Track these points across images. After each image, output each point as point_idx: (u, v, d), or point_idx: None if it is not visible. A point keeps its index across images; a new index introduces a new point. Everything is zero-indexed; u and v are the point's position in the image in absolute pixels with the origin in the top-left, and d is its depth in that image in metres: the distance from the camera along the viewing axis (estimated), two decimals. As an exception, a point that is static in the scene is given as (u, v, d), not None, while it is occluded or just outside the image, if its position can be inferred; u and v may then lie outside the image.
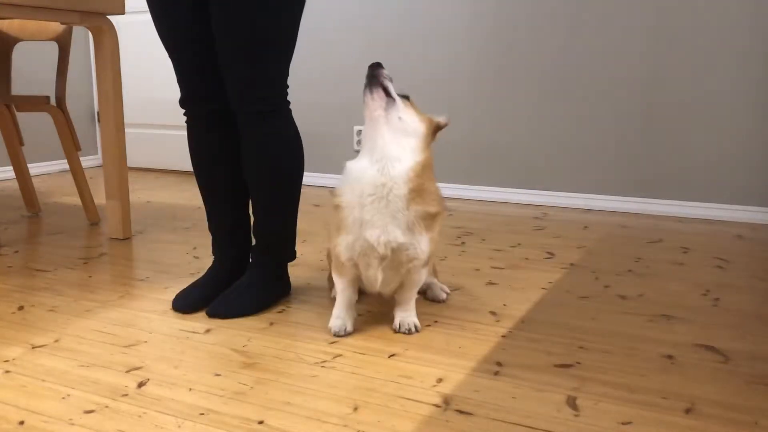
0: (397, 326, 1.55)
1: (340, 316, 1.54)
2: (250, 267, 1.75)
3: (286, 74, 1.66)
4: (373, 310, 1.69)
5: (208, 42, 1.62)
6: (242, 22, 1.55)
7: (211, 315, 1.64)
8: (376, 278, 1.49)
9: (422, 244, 1.46)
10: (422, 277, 1.55)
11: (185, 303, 1.68)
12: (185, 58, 1.66)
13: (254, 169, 1.67)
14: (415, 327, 1.55)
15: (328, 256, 1.66)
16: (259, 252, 1.74)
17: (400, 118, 1.47)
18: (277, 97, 1.64)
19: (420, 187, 1.44)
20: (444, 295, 1.76)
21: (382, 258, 1.46)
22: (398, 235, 1.44)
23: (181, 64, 1.68)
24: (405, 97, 1.53)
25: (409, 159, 1.44)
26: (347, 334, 1.53)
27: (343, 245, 1.47)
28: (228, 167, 1.73)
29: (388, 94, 1.48)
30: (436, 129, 1.56)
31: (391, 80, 1.50)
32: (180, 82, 1.71)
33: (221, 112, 1.69)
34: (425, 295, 1.77)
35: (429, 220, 1.47)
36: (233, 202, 1.77)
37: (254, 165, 1.67)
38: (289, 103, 1.68)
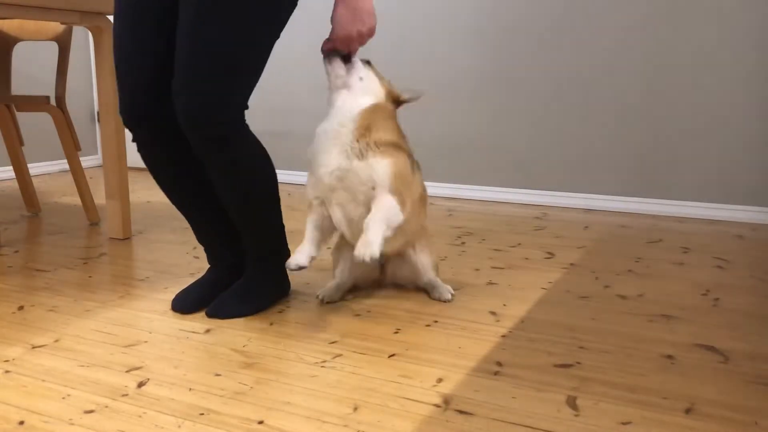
0: (354, 253, 1.46)
1: (298, 251, 1.58)
2: (248, 267, 1.74)
3: (248, 98, 1.53)
4: (373, 310, 1.69)
5: (163, 61, 1.51)
6: (210, 42, 1.42)
7: (210, 316, 1.64)
8: (337, 218, 1.58)
9: (378, 167, 1.51)
10: (389, 203, 1.50)
11: (184, 304, 1.68)
12: (136, 72, 1.52)
13: (226, 194, 1.59)
14: (370, 257, 1.43)
15: None
16: (256, 256, 1.72)
17: (360, 78, 1.58)
18: (237, 122, 1.52)
19: (370, 123, 1.53)
20: (449, 295, 1.75)
21: (332, 189, 1.54)
22: (342, 162, 1.52)
23: (129, 79, 1.53)
24: (366, 62, 1.62)
25: (361, 105, 1.55)
26: (299, 269, 1.56)
27: (309, 185, 1.60)
28: (194, 183, 1.65)
29: (347, 60, 1.58)
30: (396, 99, 1.64)
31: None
32: (122, 100, 1.56)
33: (168, 129, 1.56)
34: (430, 294, 1.77)
35: (385, 146, 1.53)
36: (211, 215, 1.69)
37: (224, 190, 1.58)
38: (246, 126, 1.56)
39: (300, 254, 1.57)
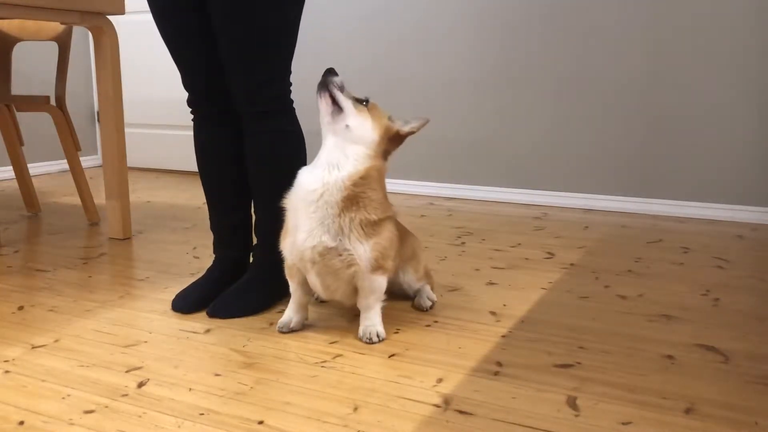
0: (360, 334, 1.51)
1: (288, 314, 1.57)
2: (250, 267, 1.76)
3: (290, 72, 1.67)
4: (373, 310, 1.69)
5: (210, 41, 1.63)
6: (246, 20, 1.55)
7: (211, 315, 1.64)
8: (314, 283, 1.50)
9: (360, 251, 1.43)
10: (375, 284, 1.48)
11: (185, 303, 1.68)
12: (189, 58, 1.67)
13: (258, 167, 1.69)
14: (378, 336, 1.49)
15: None
16: (261, 251, 1.74)
17: (347, 126, 1.45)
18: (282, 96, 1.67)
19: (357, 195, 1.42)
20: (429, 304, 1.69)
21: (312, 262, 1.45)
22: (326, 240, 1.43)
23: (185, 64, 1.69)
24: (364, 102, 1.50)
25: (348, 167, 1.43)
26: (291, 331, 1.55)
27: (286, 248, 1.51)
28: (234, 166, 1.74)
29: (335, 102, 1.47)
30: (396, 136, 1.51)
31: (341, 88, 1.48)
32: (185, 83, 1.71)
33: (227, 111, 1.69)
34: (413, 302, 1.73)
35: (370, 227, 1.44)
36: (237, 202, 1.77)
37: (258, 162, 1.68)
38: (292, 101, 1.69)
39: (292, 320, 1.56)
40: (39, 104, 2.62)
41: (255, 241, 1.76)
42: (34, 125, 3.70)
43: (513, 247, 2.31)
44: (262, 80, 1.61)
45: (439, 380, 1.31)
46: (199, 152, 1.77)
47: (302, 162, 1.69)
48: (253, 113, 1.65)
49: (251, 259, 1.78)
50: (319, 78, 1.48)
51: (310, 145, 1.69)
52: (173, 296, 1.72)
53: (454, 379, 1.31)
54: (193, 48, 1.66)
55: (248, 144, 1.69)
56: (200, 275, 1.83)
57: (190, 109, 1.75)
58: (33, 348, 1.47)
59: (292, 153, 1.68)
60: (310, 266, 1.47)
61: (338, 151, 1.45)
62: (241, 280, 1.71)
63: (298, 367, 1.37)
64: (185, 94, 1.74)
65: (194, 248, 2.27)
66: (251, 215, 1.79)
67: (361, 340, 1.50)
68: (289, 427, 1.14)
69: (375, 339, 1.49)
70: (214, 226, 1.81)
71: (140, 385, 1.29)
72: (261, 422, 1.16)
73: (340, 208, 1.42)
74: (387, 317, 1.63)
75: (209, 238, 1.83)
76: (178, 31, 1.66)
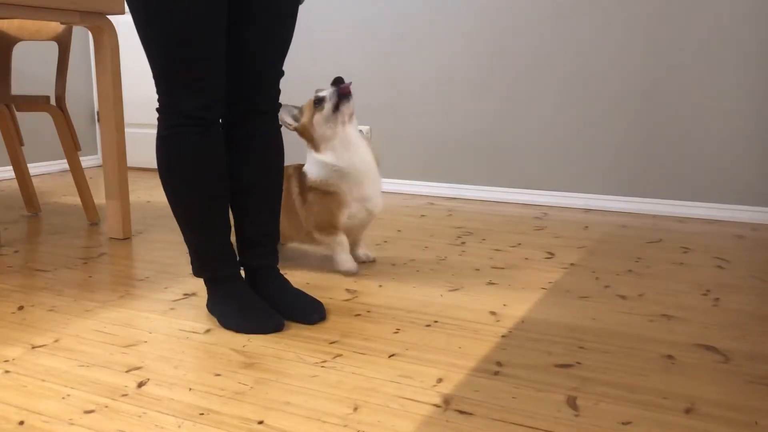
0: (363, 256, 2.10)
1: (349, 261, 1.99)
2: (275, 276, 1.70)
3: None
4: (373, 310, 1.69)
5: (225, 44, 1.53)
6: (292, 18, 1.61)
7: (317, 321, 1.60)
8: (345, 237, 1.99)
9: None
10: None
11: (275, 320, 1.56)
12: (216, 59, 1.49)
13: (268, 168, 1.68)
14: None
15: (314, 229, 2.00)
16: (273, 256, 1.70)
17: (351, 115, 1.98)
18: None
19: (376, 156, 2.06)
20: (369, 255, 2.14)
21: (375, 218, 2.05)
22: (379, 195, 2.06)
23: (208, 66, 1.48)
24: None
25: (365, 143, 2.03)
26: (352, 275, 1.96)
27: (344, 217, 1.95)
28: (227, 177, 1.61)
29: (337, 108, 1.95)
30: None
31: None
32: (199, 88, 1.48)
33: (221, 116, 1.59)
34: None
35: None
36: (227, 210, 1.64)
37: (270, 163, 1.69)
38: None
39: (353, 261, 2.01)
40: (39, 104, 2.62)
41: (249, 249, 1.69)
42: (34, 125, 3.70)
43: (513, 247, 2.31)
44: (278, 80, 1.67)
45: (439, 380, 1.31)
46: (197, 165, 1.53)
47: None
48: (273, 112, 1.67)
49: (266, 269, 1.70)
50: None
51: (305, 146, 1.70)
52: (173, 296, 1.72)
53: (454, 379, 1.31)
54: (220, 49, 1.49)
55: (260, 145, 1.64)
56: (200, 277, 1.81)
57: (196, 118, 1.51)
58: (33, 348, 1.47)
59: (281, 153, 1.74)
60: (366, 223, 2.01)
61: (358, 134, 1.98)
62: (286, 288, 1.67)
63: (298, 367, 1.37)
64: None
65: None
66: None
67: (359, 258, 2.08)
68: (289, 427, 1.14)
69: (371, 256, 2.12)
70: (217, 245, 1.61)
71: (140, 385, 1.29)
72: (261, 422, 1.16)
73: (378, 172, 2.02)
74: (387, 317, 1.64)
75: (209, 238, 1.82)
76: (214, 31, 1.47)
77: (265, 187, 1.68)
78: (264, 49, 1.59)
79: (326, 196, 1.93)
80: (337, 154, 1.91)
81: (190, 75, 1.47)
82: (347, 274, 1.97)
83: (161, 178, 1.57)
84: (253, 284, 1.68)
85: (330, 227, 1.95)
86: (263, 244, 1.69)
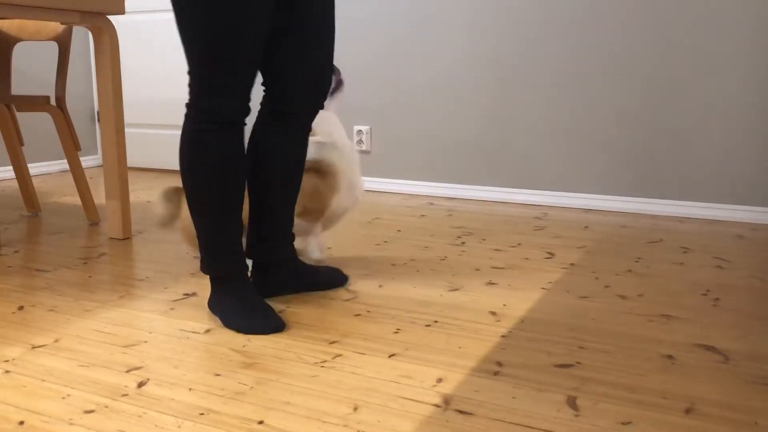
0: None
1: (321, 247, 2.07)
2: (296, 261, 1.81)
3: None
4: (373, 310, 1.69)
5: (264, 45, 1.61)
6: (332, 28, 1.69)
7: (342, 283, 1.87)
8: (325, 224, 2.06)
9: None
10: None
11: (275, 320, 1.58)
12: (254, 61, 1.53)
13: (296, 165, 1.73)
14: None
15: None
16: (293, 248, 1.81)
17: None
18: None
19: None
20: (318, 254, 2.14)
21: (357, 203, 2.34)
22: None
23: (245, 68, 1.51)
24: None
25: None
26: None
27: (335, 203, 1.98)
28: (245, 174, 1.65)
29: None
30: None
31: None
32: (229, 89, 1.52)
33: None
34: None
35: None
36: (241, 210, 1.66)
37: (298, 161, 1.74)
38: None
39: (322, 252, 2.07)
40: (39, 104, 2.62)
41: (269, 244, 1.75)
42: (34, 125, 3.70)
43: (513, 247, 2.31)
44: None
45: (439, 380, 1.31)
46: (221, 164, 1.56)
47: None
48: (317, 111, 1.74)
49: (285, 260, 1.79)
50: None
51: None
52: (173, 296, 1.72)
53: (454, 379, 1.31)
54: (260, 51, 1.53)
55: (292, 144, 1.71)
56: (200, 274, 1.83)
57: (227, 120, 1.55)
58: (33, 348, 1.47)
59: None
60: (346, 212, 2.04)
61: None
62: (307, 266, 1.83)
63: (298, 367, 1.37)
64: (184, 94, 1.70)
65: (194, 248, 2.27)
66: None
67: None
68: (289, 427, 1.14)
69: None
70: (228, 241, 1.62)
71: (140, 385, 1.29)
72: (261, 422, 1.16)
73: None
74: (387, 317, 1.64)
75: (209, 238, 1.82)
76: (260, 33, 1.50)
77: (291, 184, 1.74)
78: (326, 50, 1.68)
79: (320, 179, 1.95)
80: (333, 137, 1.99)
81: (229, 79, 1.50)
82: (318, 262, 2.06)
83: (182, 173, 1.60)
84: (270, 274, 1.77)
85: (317, 212, 1.97)
86: (287, 239, 1.79)
